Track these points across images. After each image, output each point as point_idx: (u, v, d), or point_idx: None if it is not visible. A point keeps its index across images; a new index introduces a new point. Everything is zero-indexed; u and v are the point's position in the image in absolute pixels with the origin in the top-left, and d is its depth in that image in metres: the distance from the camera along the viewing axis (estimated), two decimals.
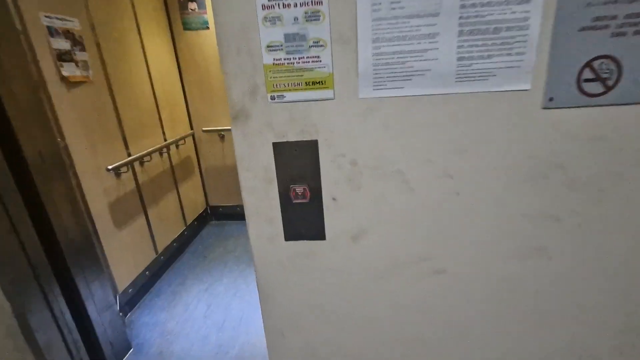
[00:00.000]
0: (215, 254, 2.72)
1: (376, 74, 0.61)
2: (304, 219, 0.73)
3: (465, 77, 0.60)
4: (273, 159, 0.69)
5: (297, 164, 0.69)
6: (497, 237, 0.69)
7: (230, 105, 0.67)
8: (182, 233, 2.78)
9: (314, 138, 0.67)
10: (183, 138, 2.74)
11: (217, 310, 2.08)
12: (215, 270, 2.50)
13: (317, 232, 0.74)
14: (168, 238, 2.58)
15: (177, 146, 2.72)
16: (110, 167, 1.87)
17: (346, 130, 0.65)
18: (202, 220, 3.13)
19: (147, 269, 2.29)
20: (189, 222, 2.90)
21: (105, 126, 1.95)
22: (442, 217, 0.69)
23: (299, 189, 0.71)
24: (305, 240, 0.75)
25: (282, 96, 0.65)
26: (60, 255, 1.46)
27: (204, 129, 2.91)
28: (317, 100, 0.64)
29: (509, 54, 0.58)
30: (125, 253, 2.08)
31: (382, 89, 0.62)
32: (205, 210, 3.21)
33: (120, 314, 1.94)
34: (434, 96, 0.61)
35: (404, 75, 0.61)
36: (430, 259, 0.72)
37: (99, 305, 1.62)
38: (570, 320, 0.73)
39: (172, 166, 2.66)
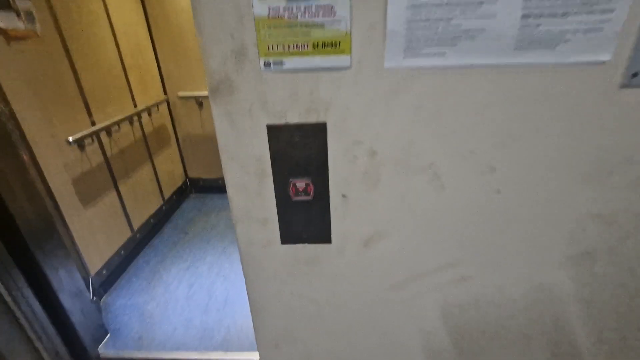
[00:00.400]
0: (197, 229, 2.57)
1: (410, 34, 0.45)
2: (305, 220, 0.59)
3: (529, 43, 0.45)
4: (267, 147, 0.53)
5: (299, 153, 0.54)
6: (542, 244, 0.57)
7: (207, 74, 0.50)
8: (160, 208, 2.60)
9: (321, 120, 0.51)
10: (156, 105, 2.47)
11: (200, 291, 1.97)
12: (197, 247, 2.36)
13: (321, 235, 0.60)
14: (144, 214, 2.40)
15: (149, 114, 2.45)
16: (71, 138, 1.63)
17: (365, 111, 0.50)
18: (182, 193, 2.94)
19: (121, 248, 2.12)
20: (166, 196, 2.71)
21: (62, 91, 1.68)
22: (477, 219, 0.56)
23: (301, 184, 0.56)
24: (306, 244, 0.61)
25: (280, 63, 0.48)
26: (21, 241, 1.28)
27: (179, 94, 2.63)
28: (328, 70, 0.48)
29: (591, 12, 0.43)
30: (96, 233, 1.90)
31: (416, 56, 0.46)
32: (185, 183, 3.01)
33: (94, 297, 1.80)
34: (485, 69, 0.46)
35: (447, 38, 0.45)
36: (457, 266, 0.61)
37: (69, 291, 1.47)
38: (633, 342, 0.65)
39: (144, 136, 2.41)
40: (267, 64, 0.48)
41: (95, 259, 1.90)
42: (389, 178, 0.54)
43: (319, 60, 0.47)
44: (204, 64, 0.50)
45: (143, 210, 2.39)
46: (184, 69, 2.60)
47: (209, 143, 2.86)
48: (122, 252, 2.13)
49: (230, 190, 0.57)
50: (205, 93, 2.62)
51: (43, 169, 1.55)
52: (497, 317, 0.65)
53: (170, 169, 2.77)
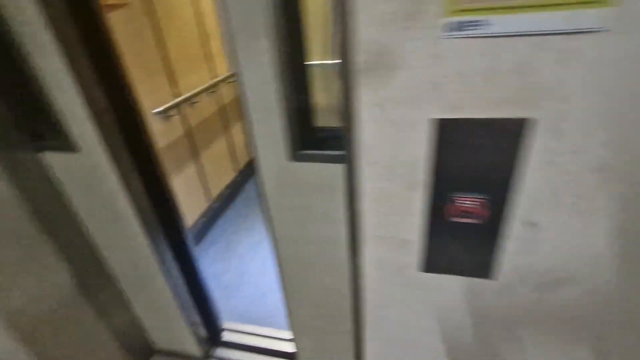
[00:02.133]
0: None
1: None
2: (463, 247, 0.43)
3: None
4: (428, 149, 0.38)
5: (476, 160, 0.37)
6: None
7: (353, 47, 0.34)
8: (235, 179, 2.65)
9: (526, 115, 0.33)
10: (230, 77, 2.43)
11: (272, 269, 1.97)
12: None
13: (481, 268, 0.44)
14: (220, 184, 2.45)
15: (227, 83, 2.43)
16: (156, 110, 1.65)
17: (611, 105, 0.31)
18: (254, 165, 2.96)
19: (201, 216, 2.20)
20: (241, 166, 2.74)
21: (149, 61, 1.69)
22: None
23: (466, 202, 0.40)
24: (455, 276, 0.46)
25: (482, 23, 0.31)
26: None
27: None
28: (566, 33, 0.29)
29: None
30: (180, 201, 1.97)
31: None
32: None
33: None
34: None
35: None
36: None
37: None
38: None
39: (223, 106, 2.41)
40: (453, 27, 0.31)
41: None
42: (616, 205, 0.35)
43: (552, 19, 0.29)
44: (339, 31, 0.35)
45: (219, 181, 2.44)
46: None
47: None
48: (202, 220, 2.21)
49: (364, 200, 0.44)
50: None
51: None
52: None
53: (244, 139, 2.77)
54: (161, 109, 1.67)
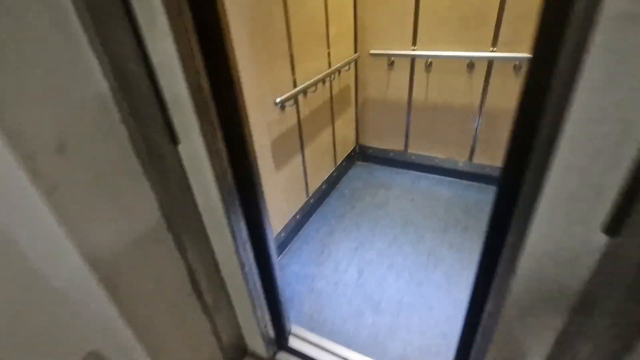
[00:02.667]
0: (363, 205, 2.38)
1: None
2: None
3: None
4: None
5: None
6: None
7: None
8: (331, 174, 2.49)
9: None
10: (349, 63, 2.23)
11: (370, 281, 1.78)
12: (365, 226, 2.17)
13: None
14: (318, 179, 2.32)
15: (339, 72, 2.24)
16: (278, 99, 1.53)
17: None
18: (350, 160, 2.78)
19: (298, 212, 2.10)
20: (338, 161, 2.58)
21: (274, 42, 1.56)
22: None
23: None
24: None
25: None
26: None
27: (372, 51, 2.32)
28: None
29: None
30: (281, 195, 1.88)
31: None
32: (354, 149, 2.82)
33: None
34: None
35: None
36: None
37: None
38: None
39: (331, 97, 2.24)
40: None
41: (277, 222, 1.90)
42: None
43: None
44: None
45: (318, 176, 2.31)
46: (383, 21, 2.23)
47: (388, 109, 2.52)
48: (298, 216, 2.11)
49: None
50: (399, 51, 2.23)
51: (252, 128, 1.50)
52: None
53: (345, 133, 2.59)
54: (284, 97, 1.54)
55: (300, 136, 1.95)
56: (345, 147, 2.68)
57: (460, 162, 2.45)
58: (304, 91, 1.80)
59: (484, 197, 2.33)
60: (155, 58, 0.73)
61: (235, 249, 1.08)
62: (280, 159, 1.79)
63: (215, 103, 0.85)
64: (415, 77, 2.31)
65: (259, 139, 1.56)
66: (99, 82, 0.69)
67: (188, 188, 0.97)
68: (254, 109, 1.49)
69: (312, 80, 1.78)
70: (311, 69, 1.88)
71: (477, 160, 2.40)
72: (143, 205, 0.85)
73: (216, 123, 0.87)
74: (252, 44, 1.41)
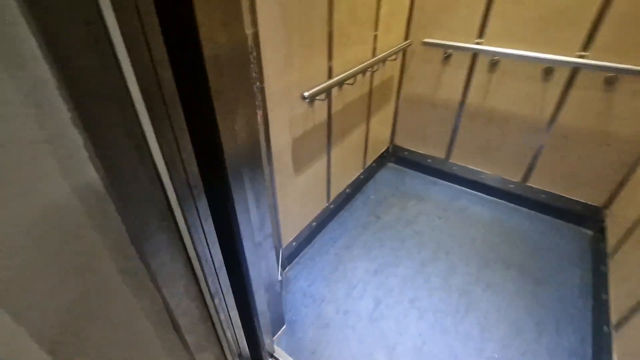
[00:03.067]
0: (390, 217, 2.09)
1: None
2: None
3: None
4: None
5: None
6: None
7: None
8: (358, 177, 2.20)
9: None
10: (397, 51, 1.88)
11: (387, 316, 1.53)
12: (389, 245, 1.89)
13: None
14: (343, 183, 2.04)
15: (383, 62, 1.90)
16: (307, 93, 1.24)
17: None
18: (381, 161, 2.47)
19: (315, 219, 1.85)
20: (368, 162, 2.27)
21: (311, 20, 1.26)
22: None
23: None
24: None
25: None
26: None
27: (426, 40, 1.95)
28: None
29: None
30: (297, 201, 1.63)
31: None
32: (387, 149, 2.50)
33: (280, 270, 1.59)
34: None
35: None
36: None
37: (264, 285, 1.21)
38: None
39: (371, 90, 1.91)
40: None
41: (289, 230, 1.66)
42: None
43: None
44: None
45: (343, 178, 2.03)
46: (446, 3, 1.84)
47: (434, 109, 2.16)
48: (314, 223, 1.86)
49: None
50: (460, 43, 1.84)
51: (270, 125, 1.23)
52: None
53: (379, 131, 2.27)
54: (315, 89, 1.25)
55: (328, 134, 1.66)
56: (378, 146, 2.36)
57: (512, 182, 2.09)
58: (341, 83, 1.49)
59: (535, 228, 1.98)
60: None
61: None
62: (301, 161, 1.52)
63: (182, 100, 0.58)
64: (475, 76, 1.93)
65: (277, 138, 1.29)
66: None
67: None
68: (275, 104, 1.21)
69: (351, 71, 1.46)
70: (352, 56, 1.56)
71: (533, 183, 2.03)
72: None
73: (180, 127, 0.60)
74: (284, 23, 1.12)
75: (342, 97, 1.65)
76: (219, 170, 0.74)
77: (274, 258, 1.19)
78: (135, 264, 0.58)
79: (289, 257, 1.75)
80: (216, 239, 0.82)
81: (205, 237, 0.76)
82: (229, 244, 0.90)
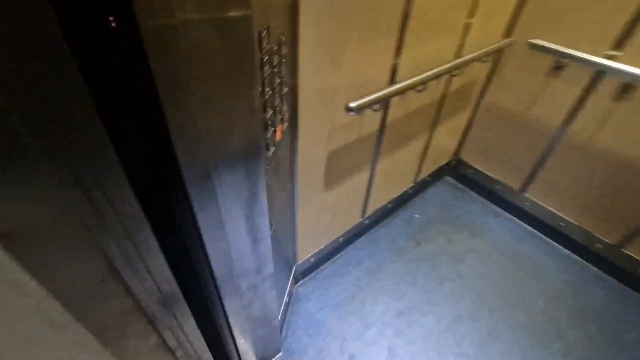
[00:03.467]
0: (433, 247, 1.77)
1: None
2: None
3: None
4: None
5: None
6: None
7: None
8: (405, 191, 1.88)
9: None
10: (492, 52, 1.45)
11: None
12: (423, 283, 1.60)
13: None
14: (384, 198, 1.75)
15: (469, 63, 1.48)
16: (354, 104, 0.94)
17: None
18: (438, 174, 2.09)
19: (342, 235, 1.61)
20: (422, 177, 1.93)
21: (380, 1, 0.93)
22: None
23: None
24: None
25: None
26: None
27: (533, 41, 1.47)
28: None
29: None
30: (324, 215, 1.39)
31: None
32: (449, 162, 2.10)
33: (291, 283, 1.40)
34: None
35: None
36: None
37: (259, 322, 1.03)
38: None
39: (443, 97, 1.53)
40: None
41: (309, 245, 1.44)
42: None
43: None
44: None
45: (386, 193, 1.73)
46: None
47: (521, 128, 1.71)
48: (341, 239, 1.62)
49: None
50: (582, 54, 1.36)
51: (299, 136, 0.98)
52: None
53: (443, 142, 1.88)
54: (367, 99, 0.95)
55: (377, 145, 1.35)
56: (438, 158, 1.99)
57: (603, 241, 1.63)
58: (406, 90, 1.15)
59: (621, 310, 1.53)
60: None
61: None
62: (335, 176, 1.25)
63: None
64: (592, 100, 1.44)
65: (308, 150, 1.03)
66: None
67: None
68: (311, 111, 0.94)
69: (424, 75, 1.12)
70: (428, 52, 1.20)
71: (631, 251, 1.55)
72: None
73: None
74: (332, 12, 0.81)
75: (404, 105, 1.32)
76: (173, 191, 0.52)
77: (274, 298, 0.99)
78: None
79: (304, 272, 1.55)
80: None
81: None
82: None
